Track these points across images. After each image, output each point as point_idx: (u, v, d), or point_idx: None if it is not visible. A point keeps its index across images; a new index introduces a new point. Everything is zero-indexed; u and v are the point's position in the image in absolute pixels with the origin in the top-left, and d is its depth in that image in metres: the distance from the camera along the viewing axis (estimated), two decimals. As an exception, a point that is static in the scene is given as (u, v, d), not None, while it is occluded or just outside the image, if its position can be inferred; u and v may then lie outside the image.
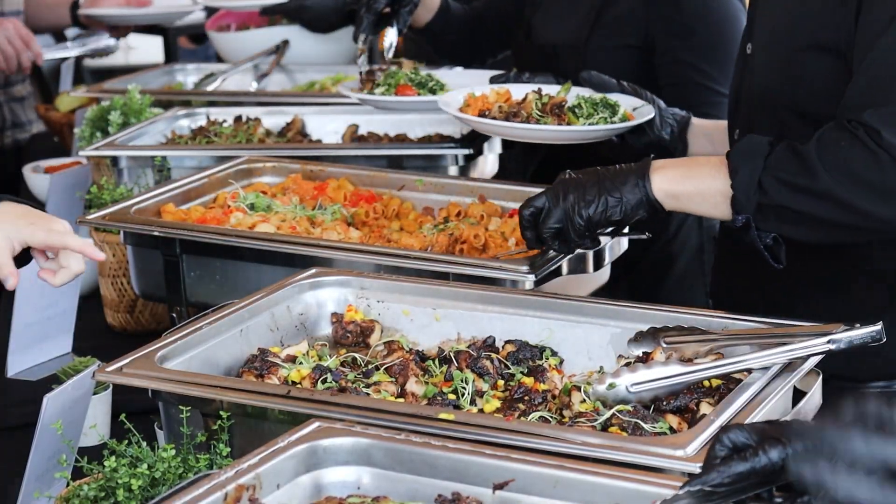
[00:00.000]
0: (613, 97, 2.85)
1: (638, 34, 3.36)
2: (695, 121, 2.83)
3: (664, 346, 2.22)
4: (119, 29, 5.26)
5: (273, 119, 3.77)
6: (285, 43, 4.55)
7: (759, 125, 2.51)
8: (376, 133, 3.70)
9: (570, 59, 3.31)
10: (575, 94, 2.91)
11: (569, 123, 2.78)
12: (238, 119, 3.73)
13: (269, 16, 4.64)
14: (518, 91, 2.96)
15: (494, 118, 2.85)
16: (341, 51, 4.70)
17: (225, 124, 3.71)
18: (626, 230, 2.56)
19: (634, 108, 2.84)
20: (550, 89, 2.95)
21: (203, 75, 4.49)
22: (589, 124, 2.76)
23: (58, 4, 5.16)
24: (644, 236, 2.62)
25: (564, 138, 2.82)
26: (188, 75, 4.62)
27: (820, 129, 2.29)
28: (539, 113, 2.81)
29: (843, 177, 2.23)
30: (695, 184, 2.39)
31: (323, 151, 3.39)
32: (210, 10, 5.29)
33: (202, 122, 3.75)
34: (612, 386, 2.12)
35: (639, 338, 2.27)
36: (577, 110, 2.80)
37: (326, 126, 3.78)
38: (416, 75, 3.39)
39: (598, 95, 2.86)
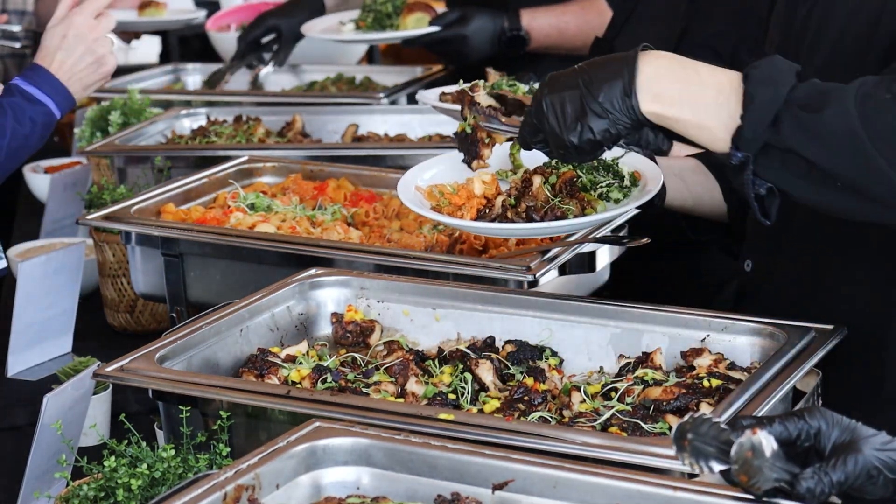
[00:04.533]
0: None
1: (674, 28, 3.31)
2: (661, 160, 2.55)
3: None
4: (127, 34, 5.27)
5: (273, 119, 3.77)
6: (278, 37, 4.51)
7: None
8: (376, 133, 3.71)
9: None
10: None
11: (590, 203, 2.39)
12: (238, 119, 3.74)
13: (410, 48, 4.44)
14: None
15: (508, 219, 2.36)
16: (342, 51, 4.71)
17: (225, 124, 3.71)
18: (624, 239, 2.50)
19: (616, 159, 2.48)
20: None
21: (208, 73, 4.49)
22: (610, 200, 2.40)
23: None
24: (643, 241, 2.45)
25: (597, 224, 2.46)
26: (188, 75, 4.63)
27: (863, 77, 1.97)
28: (557, 200, 2.38)
29: (887, 134, 1.91)
30: (692, 107, 2.04)
31: (323, 151, 3.40)
32: (210, 10, 5.29)
33: (202, 122, 3.76)
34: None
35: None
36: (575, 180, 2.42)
37: (326, 126, 3.78)
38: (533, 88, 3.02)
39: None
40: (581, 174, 2.41)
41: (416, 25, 4.04)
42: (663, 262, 3.34)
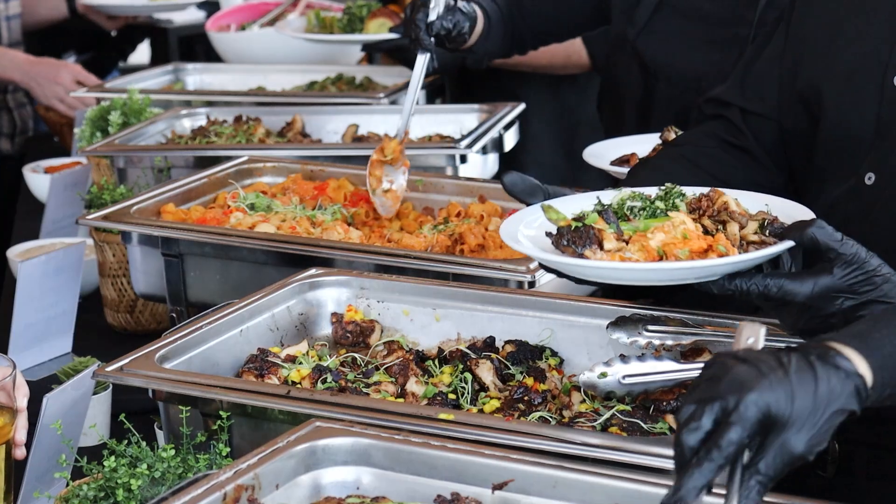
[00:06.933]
0: (649, 191, 2.18)
1: None
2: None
3: (644, 334, 2.19)
4: (117, 19, 5.25)
5: (273, 119, 3.77)
6: None
7: None
8: (376, 133, 3.71)
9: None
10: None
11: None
12: (238, 119, 3.74)
13: (369, 52, 4.40)
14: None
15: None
16: (341, 51, 4.71)
17: (225, 124, 3.71)
18: None
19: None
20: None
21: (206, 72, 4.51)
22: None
23: None
24: None
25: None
26: (188, 75, 4.63)
27: None
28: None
29: None
30: None
31: (323, 151, 3.40)
32: (209, 10, 5.30)
33: (202, 122, 3.76)
34: (603, 375, 2.11)
35: (619, 322, 2.20)
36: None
37: (326, 126, 3.78)
38: None
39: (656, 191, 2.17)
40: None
41: (377, 31, 4.11)
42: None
